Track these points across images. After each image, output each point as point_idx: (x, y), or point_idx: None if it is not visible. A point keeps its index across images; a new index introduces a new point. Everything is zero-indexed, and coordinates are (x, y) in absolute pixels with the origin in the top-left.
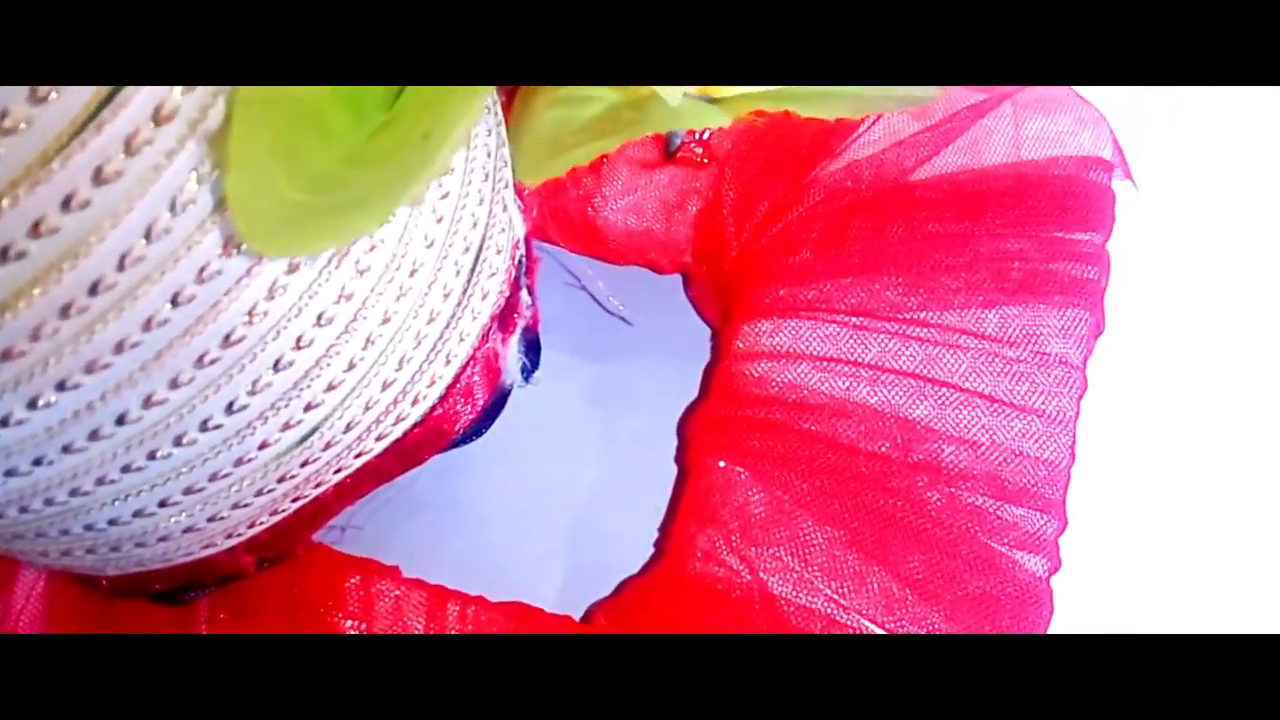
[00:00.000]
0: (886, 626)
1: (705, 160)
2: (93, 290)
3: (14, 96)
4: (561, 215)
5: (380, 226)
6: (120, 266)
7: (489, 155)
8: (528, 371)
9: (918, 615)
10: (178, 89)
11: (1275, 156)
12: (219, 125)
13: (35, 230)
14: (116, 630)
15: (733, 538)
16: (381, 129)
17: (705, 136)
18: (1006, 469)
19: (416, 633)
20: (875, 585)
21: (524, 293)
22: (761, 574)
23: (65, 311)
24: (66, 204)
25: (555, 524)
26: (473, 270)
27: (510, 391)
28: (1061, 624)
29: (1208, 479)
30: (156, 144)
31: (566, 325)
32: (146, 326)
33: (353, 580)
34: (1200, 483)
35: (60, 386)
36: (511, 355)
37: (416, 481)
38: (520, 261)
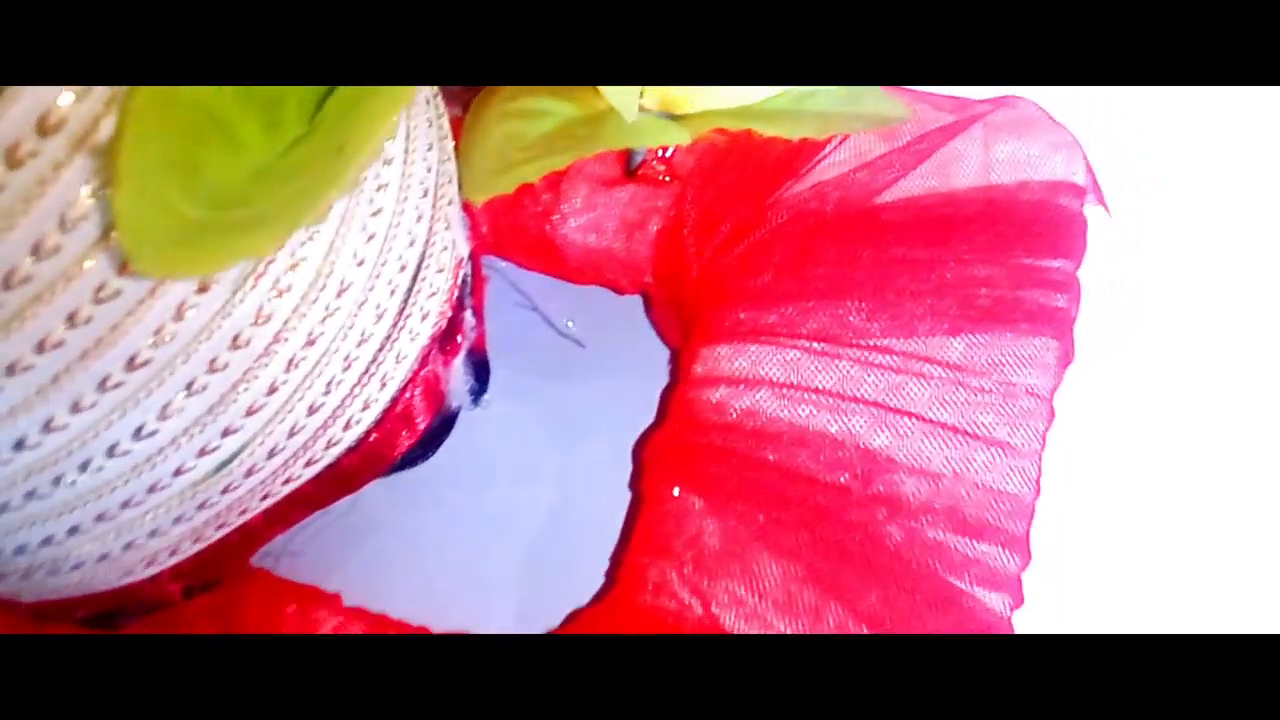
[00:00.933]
0: None
1: (667, 178)
2: None
3: None
4: (519, 232)
5: (278, 247)
6: (6, 286)
7: (429, 170)
8: (476, 394)
9: None
10: (66, 97)
11: (1265, 169)
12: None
13: None
14: None
15: (685, 569)
16: (298, 142)
17: (668, 154)
18: (969, 503)
19: None
20: (831, 622)
21: (468, 313)
22: (714, 608)
23: None
24: None
25: (509, 550)
26: (410, 290)
27: (457, 415)
28: None
29: (1179, 513)
30: (42, 156)
31: (523, 345)
32: (40, 349)
33: (290, 609)
34: (1171, 518)
35: None
36: (455, 377)
37: (360, 505)
38: (464, 281)
